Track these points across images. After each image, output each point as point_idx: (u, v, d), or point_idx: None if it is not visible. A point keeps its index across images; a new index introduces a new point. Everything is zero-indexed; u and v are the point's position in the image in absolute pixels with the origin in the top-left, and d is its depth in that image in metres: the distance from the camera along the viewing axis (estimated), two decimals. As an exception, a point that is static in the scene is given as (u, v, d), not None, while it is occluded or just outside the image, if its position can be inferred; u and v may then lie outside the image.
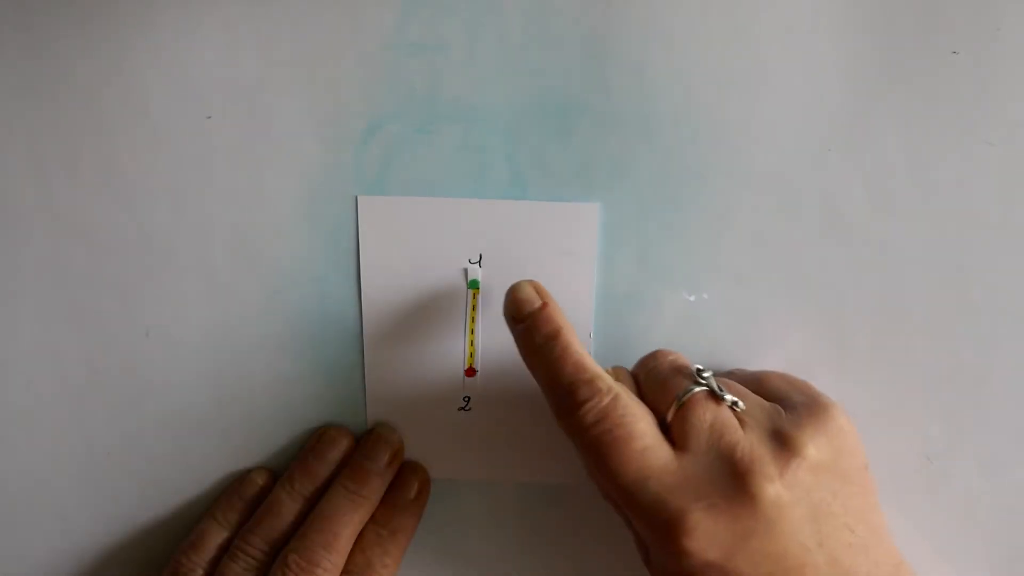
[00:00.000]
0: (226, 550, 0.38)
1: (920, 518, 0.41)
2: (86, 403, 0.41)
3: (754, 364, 0.40)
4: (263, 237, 0.39)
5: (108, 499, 0.42)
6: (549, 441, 0.40)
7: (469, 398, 0.40)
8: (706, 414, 0.32)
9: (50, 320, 0.40)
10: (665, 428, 0.33)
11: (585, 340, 0.39)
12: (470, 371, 0.40)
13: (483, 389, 0.40)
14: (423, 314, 0.39)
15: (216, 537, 0.39)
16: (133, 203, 0.38)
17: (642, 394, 0.35)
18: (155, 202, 0.38)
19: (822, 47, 0.37)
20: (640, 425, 0.31)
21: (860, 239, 0.38)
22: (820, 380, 0.39)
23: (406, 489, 0.40)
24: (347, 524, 0.37)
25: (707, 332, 0.40)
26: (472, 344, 0.40)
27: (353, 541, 0.38)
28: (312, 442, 0.40)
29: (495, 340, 0.39)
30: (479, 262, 0.39)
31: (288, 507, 0.38)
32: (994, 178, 0.37)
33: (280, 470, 0.41)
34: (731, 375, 0.37)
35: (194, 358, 0.40)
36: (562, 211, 0.38)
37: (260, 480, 0.40)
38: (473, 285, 0.39)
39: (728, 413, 0.32)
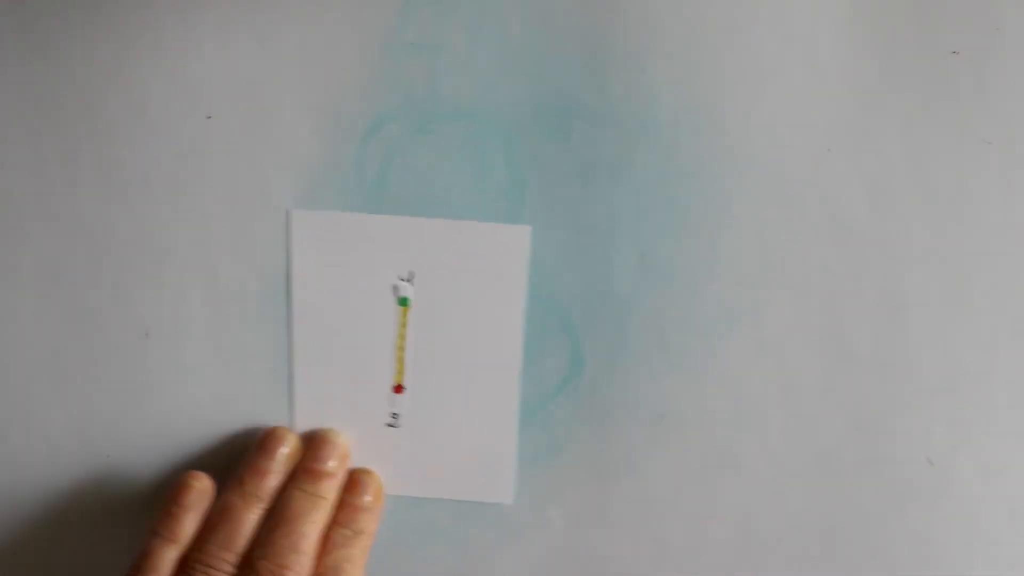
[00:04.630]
0: (181, 566, 0.37)
1: (921, 522, 0.41)
2: (85, 404, 0.41)
3: (752, 365, 0.40)
4: (263, 236, 0.39)
5: (106, 502, 0.42)
6: (478, 460, 0.40)
7: (397, 415, 0.40)
8: None
9: (50, 320, 0.40)
10: None
11: (513, 372, 0.39)
12: (398, 388, 0.40)
13: (411, 406, 0.40)
14: (353, 330, 0.39)
15: (166, 554, 0.37)
16: (133, 203, 0.38)
17: None
18: (155, 202, 0.38)
19: (822, 47, 0.37)
20: None
21: (860, 239, 0.38)
22: (820, 383, 0.39)
23: (363, 489, 0.40)
24: (311, 525, 0.37)
25: (705, 333, 0.40)
26: (400, 361, 0.40)
27: (318, 543, 0.37)
28: (260, 442, 0.39)
29: (424, 358, 0.40)
30: (410, 280, 0.39)
31: (242, 511, 0.37)
32: (994, 178, 0.37)
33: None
34: None
35: (192, 359, 0.40)
36: (493, 232, 0.38)
37: (197, 484, 0.39)
38: (403, 302, 0.39)
39: None
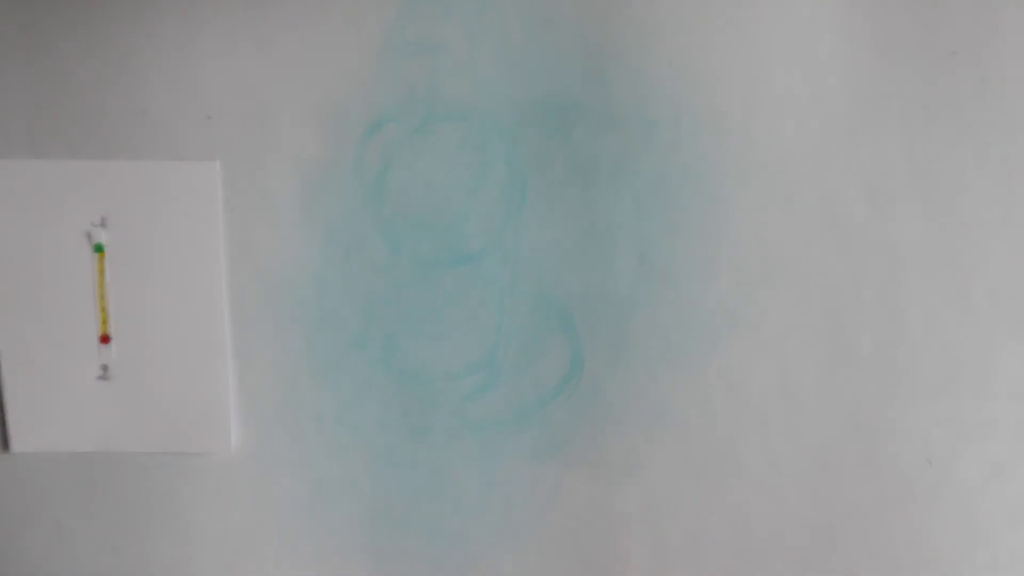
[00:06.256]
0: None
1: (921, 521, 0.41)
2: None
3: (754, 366, 0.40)
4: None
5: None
6: (194, 409, 0.40)
7: (107, 366, 0.40)
8: None
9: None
10: None
11: (220, 314, 0.39)
12: (104, 338, 0.39)
13: (120, 356, 0.40)
14: (52, 281, 0.39)
15: None
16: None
17: None
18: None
19: (822, 47, 0.37)
20: None
21: (860, 239, 0.38)
22: (820, 383, 0.39)
23: None
24: None
25: (706, 334, 0.40)
26: (104, 310, 0.39)
27: None
28: None
29: (127, 305, 0.39)
30: (103, 225, 0.38)
31: None
32: (994, 178, 0.37)
33: None
34: None
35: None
36: (181, 171, 0.38)
37: None
38: (98, 249, 0.38)
39: None
